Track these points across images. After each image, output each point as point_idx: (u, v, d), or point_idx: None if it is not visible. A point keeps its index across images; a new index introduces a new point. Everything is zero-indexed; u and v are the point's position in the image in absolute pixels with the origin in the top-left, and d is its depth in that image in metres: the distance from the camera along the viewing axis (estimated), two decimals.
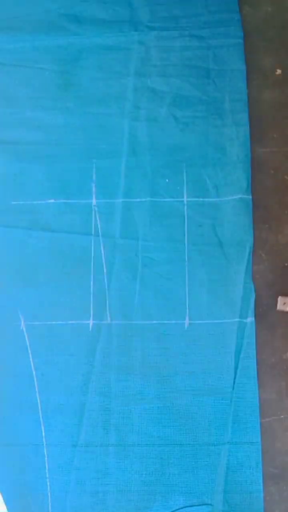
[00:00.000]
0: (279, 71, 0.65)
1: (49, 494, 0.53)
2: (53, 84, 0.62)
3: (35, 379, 0.54)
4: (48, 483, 0.53)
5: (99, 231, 0.59)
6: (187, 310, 0.56)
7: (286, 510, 0.54)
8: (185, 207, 0.59)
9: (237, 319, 0.55)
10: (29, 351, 0.55)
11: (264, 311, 0.57)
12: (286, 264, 0.59)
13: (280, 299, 0.53)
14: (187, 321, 0.56)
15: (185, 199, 0.60)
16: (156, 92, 0.62)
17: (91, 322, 0.56)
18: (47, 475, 0.53)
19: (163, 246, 0.58)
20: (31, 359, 0.55)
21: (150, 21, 0.63)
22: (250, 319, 0.55)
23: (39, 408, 0.54)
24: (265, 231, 0.60)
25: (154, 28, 0.62)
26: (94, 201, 0.60)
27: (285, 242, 0.60)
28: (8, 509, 0.52)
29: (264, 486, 0.53)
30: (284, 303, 0.53)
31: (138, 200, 0.59)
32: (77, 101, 0.62)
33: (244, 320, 0.55)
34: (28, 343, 0.55)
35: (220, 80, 0.62)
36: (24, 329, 0.56)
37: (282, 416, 0.55)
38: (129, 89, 0.62)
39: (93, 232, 0.59)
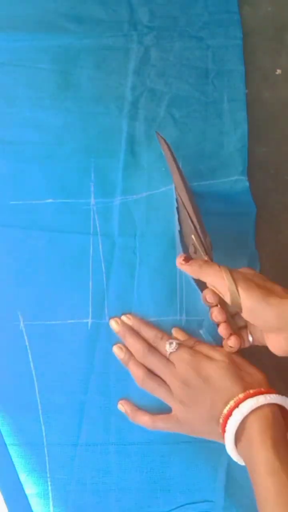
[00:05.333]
0: (279, 71, 0.68)
1: (50, 494, 0.55)
2: (52, 84, 0.65)
3: (34, 378, 0.57)
4: (49, 483, 0.56)
5: (98, 230, 0.62)
6: (184, 306, 0.59)
7: None
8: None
9: None
10: (29, 351, 0.58)
11: None
12: (286, 264, 0.63)
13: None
14: (184, 317, 0.59)
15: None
16: (154, 92, 0.65)
17: (89, 321, 0.59)
18: (48, 475, 0.56)
19: (160, 241, 0.61)
20: (30, 359, 0.58)
21: (150, 21, 0.66)
22: None
23: (39, 407, 0.57)
24: (265, 231, 0.63)
25: (154, 28, 0.66)
26: (92, 200, 0.62)
27: (285, 242, 0.63)
28: (8, 509, 0.54)
29: None
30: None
31: (135, 197, 0.62)
32: (76, 100, 0.65)
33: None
34: (27, 343, 0.58)
35: (219, 80, 0.65)
36: (23, 329, 0.59)
37: None
38: (127, 89, 0.65)
39: (91, 231, 0.62)
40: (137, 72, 0.65)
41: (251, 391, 0.51)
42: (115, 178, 0.63)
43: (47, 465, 0.56)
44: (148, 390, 0.56)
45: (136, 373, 0.57)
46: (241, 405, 0.50)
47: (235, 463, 0.55)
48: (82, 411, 0.57)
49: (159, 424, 0.55)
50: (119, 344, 0.58)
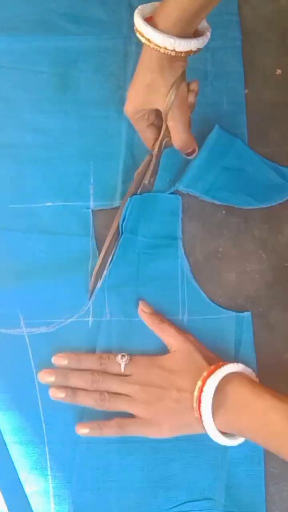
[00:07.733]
0: (279, 71, 0.70)
1: (51, 492, 0.57)
2: (51, 87, 0.68)
3: (35, 377, 0.59)
4: (50, 481, 0.58)
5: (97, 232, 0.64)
6: (186, 305, 0.61)
7: (286, 510, 0.58)
8: (182, 202, 0.64)
9: (234, 314, 0.61)
10: (29, 350, 0.60)
11: (264, 311, 0.62)
12: (286, 264, 0.64)
13: None
14: (186, 317, 0.61)
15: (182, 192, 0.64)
16: None
17: (90, 319, 0.61)
18: (49, 473, 0.58)
19: (161, 242, 0.63)
20: (31, 357, 0.60)
21: None
22: (247, 313, 0.61)
23: (40, 406, 0.59)
24: (265, 231, 0.65)
25: None
26: (91, 203, 0.65)
27: (285, 242, 0.65)
28: (8, 509, 0.56)
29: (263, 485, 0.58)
30: None
31: (135, 198, 0.63)
32: (75, 103, 0.67)
33: (241, 315, 0.61)
34: (27, 342, 0.61)
35: (218, 82, 0.68)
36: (24, 328, 0.61)
37: None
38: (127, 91, 0.66)
39: (91, 234, 0.64)
40: None
41: (216, 365, 0.54)
42: (114, 182, 0.66)
43: (48, 463, 0.58)
44: (109, 408, 0.57)
45: (89, 400, 0.56)
46: (212, 376, 0.53)
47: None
48: (83, 409, 0.59)
49: (129, 428, 0.56)
50: (53, 387, 0.57)
